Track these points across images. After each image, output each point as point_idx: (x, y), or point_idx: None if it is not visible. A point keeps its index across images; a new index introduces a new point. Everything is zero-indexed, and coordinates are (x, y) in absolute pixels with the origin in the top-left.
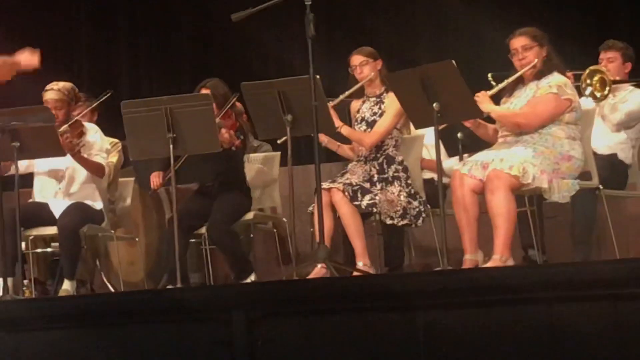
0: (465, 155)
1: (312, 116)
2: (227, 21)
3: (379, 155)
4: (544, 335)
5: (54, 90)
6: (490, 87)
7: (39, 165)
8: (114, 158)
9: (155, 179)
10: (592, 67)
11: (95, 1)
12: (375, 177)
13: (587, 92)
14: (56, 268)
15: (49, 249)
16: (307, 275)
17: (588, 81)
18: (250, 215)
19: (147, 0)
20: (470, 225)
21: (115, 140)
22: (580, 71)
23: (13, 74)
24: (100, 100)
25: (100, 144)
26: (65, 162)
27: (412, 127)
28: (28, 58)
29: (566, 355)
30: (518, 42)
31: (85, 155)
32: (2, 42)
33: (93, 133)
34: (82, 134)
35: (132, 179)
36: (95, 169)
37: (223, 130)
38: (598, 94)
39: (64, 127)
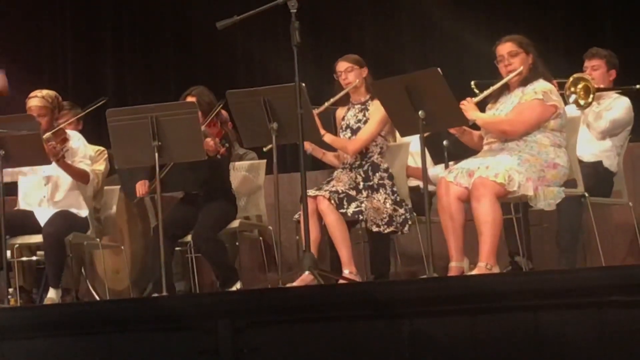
0: (451, 162)
1: (297, 124)
2: (213, 29)
3: (364, 162)
4: (529, 343)
5: (37, 98)
6: (474, 95)
7: (23, 173)
8: (101, 166)
9: (141, 187)
10: (576, 75)
11: (80, 10)
12: (361, 185)
13: (571, 99)
14: (41, 276)
15: (34, 258)
16: (293, 283)
17: (572, 89)
18: (235, 223)
19: (132, 8)
20: (456, 233)
21: (102, 148)
22: (564, 79)
23: None
24: (96, 106)
25: (84, 151)
26: (50, 170)
27: (397, 134)
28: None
29: None
30: (504, 48)
31: (69, 162)
32: None
33: (76, 140)
34: (65, 140)
35: (118, 187)
36: (79, 176)
37: (208, 139)
38: (582, 102)
39: (48, 134)
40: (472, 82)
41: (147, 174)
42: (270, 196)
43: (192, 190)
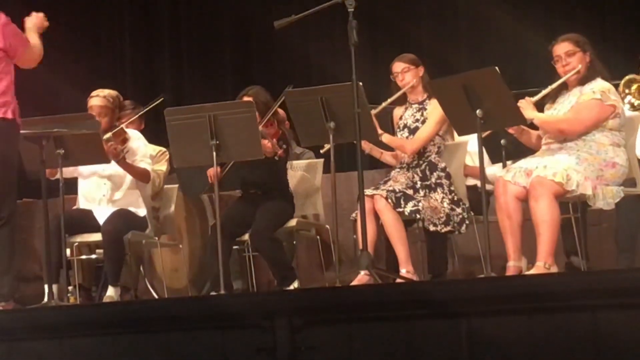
0: (509, 162)
1: (354, 123)
2: (270, 28)
3: (421, 162)
4: (587, 343)
5: (99, 97)
6: (531, 94)
7: (83, 172)
8: (162, 167)
9: (213, 172)
10: (628, 77)
11: (138, 10)
12: (418, 184)
13: (626, 100)
14: (100, 274)
15: (93, 256)
16: (350, 282)
17: (626, 90)
18: (293, 222)
19: (190, 8)
20: (514, 232)
21: (163, 149)
22: (617, 81)
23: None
24: (151, 106)
25: (144, 151)
26: (110, 169)
27: (455, 133)
28: (35, 20)
29: None
30: (561, 48)
31: (130, 162)
32: (45, 50)
33: (136, 140)
34: (125, 140)
35: (176, 186)
36: (140, 175)
37: (265, 140)
38: (637, 102)
39: (108, 134)
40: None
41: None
42: (328, 195)
43: (250, 189)
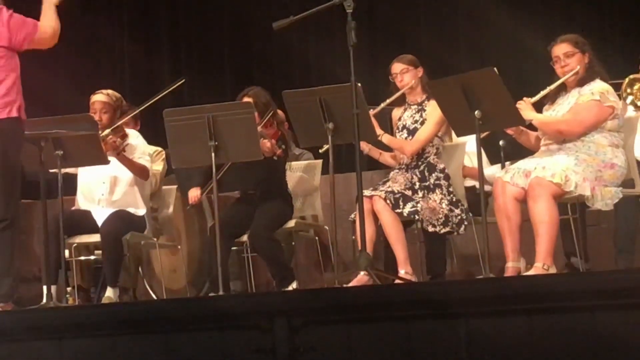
0: (507, 163)
1: (353, 124)
2: (269, 29)
3: (420, 163)
4: (586, 344)
5: (102, 94)
6: (530, 95)
7: (82, 173)
8: (158, 166)
9: (194, 195)
10: (631, 76)
11: (136, 10)
12: (417, 185)
13: (628, 100)
14: (99, 275)
15: (92, 257)
16: (349, 283)
17: (628, 90)
18: (291, 223)
19: (189, 9)
20: (513, 233)
21: (159, 148)
22: (621, 80)
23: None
24: (172, 88)
25: (143, 148)
26: (108, 170)
27: (453, 134)
28: None
29: None
30: (560, 49)
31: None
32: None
33: (135, 137)
34: (125, 136)
35: (175, 186)
36: (139, 171)
37: (265, 140)
38: (639, 103)
39: (107, 131)
40: None
41: (202, 179)
42: (326, 196)
43: (249, 190)
